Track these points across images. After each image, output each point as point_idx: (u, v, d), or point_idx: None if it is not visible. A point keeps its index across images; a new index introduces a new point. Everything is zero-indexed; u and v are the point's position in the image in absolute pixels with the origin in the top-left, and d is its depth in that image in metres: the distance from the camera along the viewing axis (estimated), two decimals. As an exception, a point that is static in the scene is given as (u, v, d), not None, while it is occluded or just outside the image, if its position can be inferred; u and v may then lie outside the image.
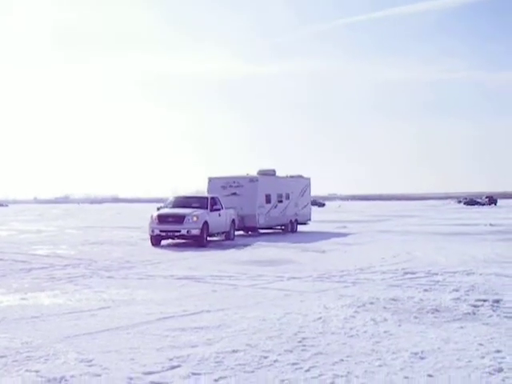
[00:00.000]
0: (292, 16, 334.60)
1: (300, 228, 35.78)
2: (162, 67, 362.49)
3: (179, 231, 24.93)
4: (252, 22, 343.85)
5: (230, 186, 31.58)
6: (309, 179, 38.87)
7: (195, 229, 24.94)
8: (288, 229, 34.44)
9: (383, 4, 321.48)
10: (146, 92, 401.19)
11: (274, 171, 34.63)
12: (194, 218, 25.08)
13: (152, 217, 25.60)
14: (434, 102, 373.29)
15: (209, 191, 31.44)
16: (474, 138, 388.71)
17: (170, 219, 25.23)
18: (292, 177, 37.27)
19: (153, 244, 25.09)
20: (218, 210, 27.08)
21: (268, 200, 32.65)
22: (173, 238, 25.61)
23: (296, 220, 35.76)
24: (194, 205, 26.54)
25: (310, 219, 38.44)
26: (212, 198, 27.46)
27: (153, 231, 25.21)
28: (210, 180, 32.52)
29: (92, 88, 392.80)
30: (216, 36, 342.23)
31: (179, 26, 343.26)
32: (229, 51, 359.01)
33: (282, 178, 35.92)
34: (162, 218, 25.30)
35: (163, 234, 25.17)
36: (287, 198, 34.98)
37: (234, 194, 31.19)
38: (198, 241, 25.16)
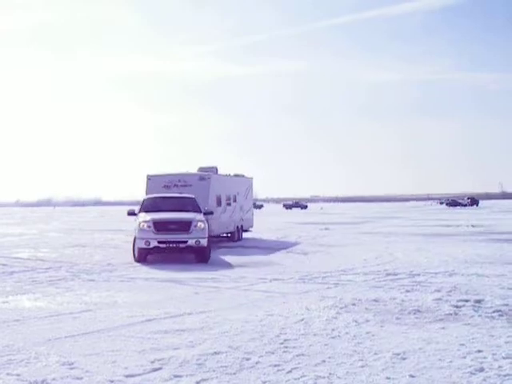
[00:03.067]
0: (274, 16, 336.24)
1: (287, 230, 35.55)
2: (142, 67, 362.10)
3: (185, 242, 19.39)
4: (232, 22, 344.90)
5: (175, 186, 26.28)
6: (251, 179, 33.72)
7: (203, 238, 19.59)
8: (234, 237, 29.23)
9: (367, 5, 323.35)
10: (127, 93, 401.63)
11: (216, 169, 28.72)
12: (200, 224, 19.83)
13: (142, 224, 19.66)
14: (418, 103, 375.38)
15: (148, 192, 26.01)
16: (456, 139, 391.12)
17: (172, 226, 19.58)
18: (237, 176, 31.85)
19: (140, 260, 19.58)
20: (211, 213, 22.05)
21: (219, 202, 27.40)
22: (164, 252, 20.02)
23: (242, 226, 30.74)
24: (178, 208, 21.24)
25: (252, 225, 33.26)
26: (196, 199, 22.43)
27: (147, 243, 19.27)
28: (150, 178, 27.15)
29: (72, 89, 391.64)
30: (195, 36, 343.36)
31: (158, 26, 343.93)
32: (208, 51, 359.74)
33: (229, 176, 30.64)
34: (160, 225, 19.49)
35: (163, 246, 19.40)
36: (234, 200, 29.83)
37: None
38: (203, 255, 19.76)
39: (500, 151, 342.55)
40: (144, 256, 19.60)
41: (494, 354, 7.50)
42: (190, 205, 21.72)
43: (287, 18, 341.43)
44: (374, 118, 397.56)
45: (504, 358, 7.35)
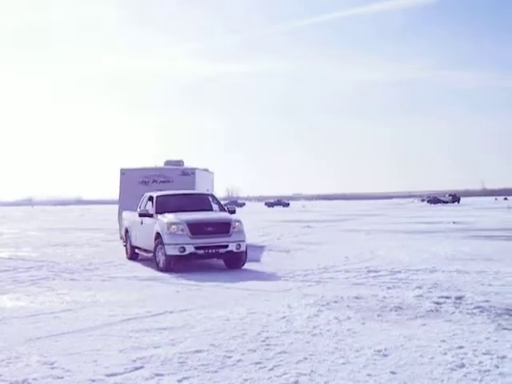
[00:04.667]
0: (261, 14, 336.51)
1: (268, 228, 35.49)
2: (128, 67, 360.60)
3: (226, 246, 16.65)
4: (220, 21, 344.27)
5: (154, 182, 23.81)
6: (213, 174, 30.32)
7: (243, 242, 17.04)
8: None
9: (353, 3, 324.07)
10: (111, 93, 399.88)
11: (182, 162, 25.92)
12: (239, 226, 17.22)
13: (172, 227, 16.58)
14: (402, 102, 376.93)
15: (122, 188, 24.17)
16: (438, 137, 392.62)
17: (210, 229, 16.78)
18: (205, 170, 28.42)
19: (168, 269, 16.45)
20: (234, 212, 18.63)
21: None
22: (200, 259, 17.16)
23: None
24: (200, 207, 18.63)
25: None
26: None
27: (182, 249, 16.29)
28: (124, 173, 24.61)
29: (54, 88, 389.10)
30: (183, 35, 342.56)
31: (145, 25, 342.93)
32: (197, 50, 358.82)
33: (201, 170, 26.92)
34: (196, 228, 16.60)
35: (201, 252, 16.48)
36: None
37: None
38: (240, 261, 17.32)
39: (482, 149, 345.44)
40: (175, 264, 16.60)
41: (474, 350, 7.53)
42: (211, 203, 19.29)
43: (275, 17, 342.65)
44: (358, 117, 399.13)
45: (484, 353, 7.38)
